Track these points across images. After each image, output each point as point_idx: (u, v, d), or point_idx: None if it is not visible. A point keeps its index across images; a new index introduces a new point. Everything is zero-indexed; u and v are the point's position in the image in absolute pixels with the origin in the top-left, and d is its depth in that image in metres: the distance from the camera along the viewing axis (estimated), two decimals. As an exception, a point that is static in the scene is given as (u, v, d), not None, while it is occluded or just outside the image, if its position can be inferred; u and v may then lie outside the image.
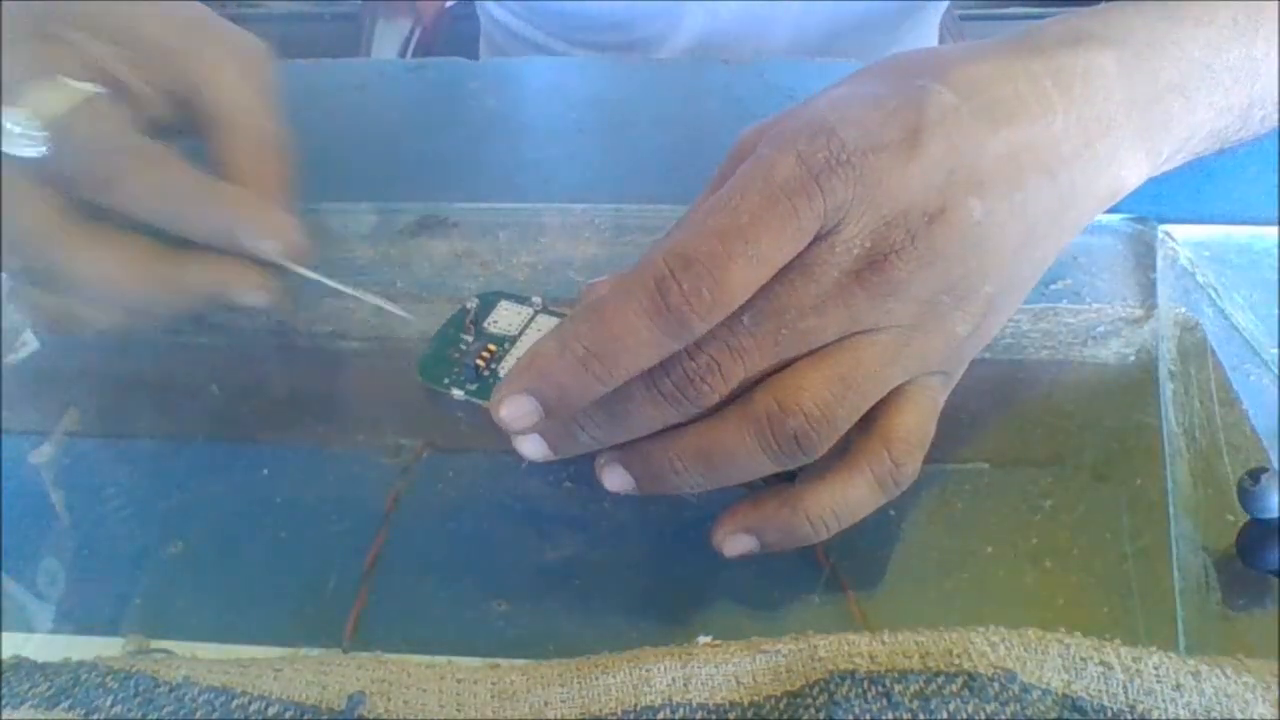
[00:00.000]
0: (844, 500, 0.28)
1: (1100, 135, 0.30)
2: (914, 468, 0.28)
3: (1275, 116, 0.35)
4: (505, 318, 0.35)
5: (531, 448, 0.29)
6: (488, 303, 0.35)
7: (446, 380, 0.33)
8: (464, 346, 0.34)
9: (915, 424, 0.28)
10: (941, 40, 0.76)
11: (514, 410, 0.27)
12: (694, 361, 0.27)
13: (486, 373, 0.33)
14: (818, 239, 0.27)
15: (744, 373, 0.27)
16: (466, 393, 0.33)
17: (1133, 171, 0.32)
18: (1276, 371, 0.33)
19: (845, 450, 0.28)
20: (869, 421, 0.28)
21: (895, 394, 0.28)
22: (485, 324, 0.35)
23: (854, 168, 0.27)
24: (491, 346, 0.34)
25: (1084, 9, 0.34)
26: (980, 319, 0.29)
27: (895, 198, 0.27)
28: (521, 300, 0.35)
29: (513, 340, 0.34)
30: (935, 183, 0.28)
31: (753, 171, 0.27)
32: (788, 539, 0.28)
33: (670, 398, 0.27)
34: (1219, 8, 0.34)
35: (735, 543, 0.28)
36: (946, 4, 0.71)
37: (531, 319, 0.35)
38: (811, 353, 0.27)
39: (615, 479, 0.29)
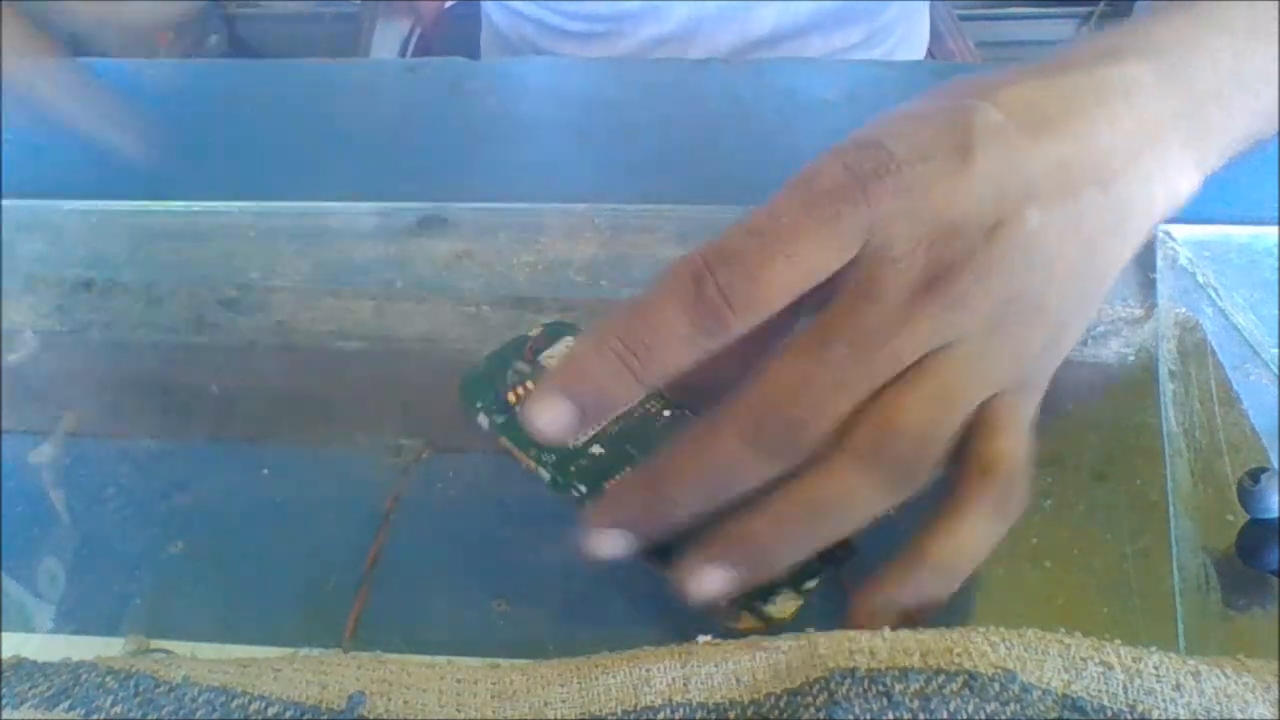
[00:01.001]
0: (970, 539, 0.27)
1: (1147, 147, 0.30)
2: (1025, 489, 0.27)
3: None
4: (564, 354, 0.33)
5: (612, 543, 0.27)
6: (553, 334, 0.34)
7: (479, 404, 0.32)
8: (512, 375, 0.33)
9: (1013, 446, 0.27)
10: (938, 37, 0.76)
11: (549, 415, 0.26)
12: (796, 410, 0.26)
13: (519, 409, 0.31)
14: (876, 260, 0.27)
15: (843, 406, 0.26)
16: (492, 424, 0.32)
17: (1185, 181, 0.32)
18: (1276, 371, 0.33)
19: (949, 492, 0.27)
20: (966, 454, 0.27)
21: (984, 418, 0.27)
22: (543, 357, 0.33)
23: (902, 176, 0.27)
24: (530, 383, 0.32)
25: (1112, 28, 0.34)
26: (1055, 331, 0.28)
27: (948, 209, 0.27)
28: None
29: None
30: (988, 195, 0.27)
31: (798, 179, 0.27)
32: (924, 597, 0.27)
33: (771, 449, 0.26)
34: (1233, 12, 0.33)
35: (878, 618, 0.26)
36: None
37: None
38: (895, 380, 0.27)
39: (714, 581, 0.27)
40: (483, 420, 0.32)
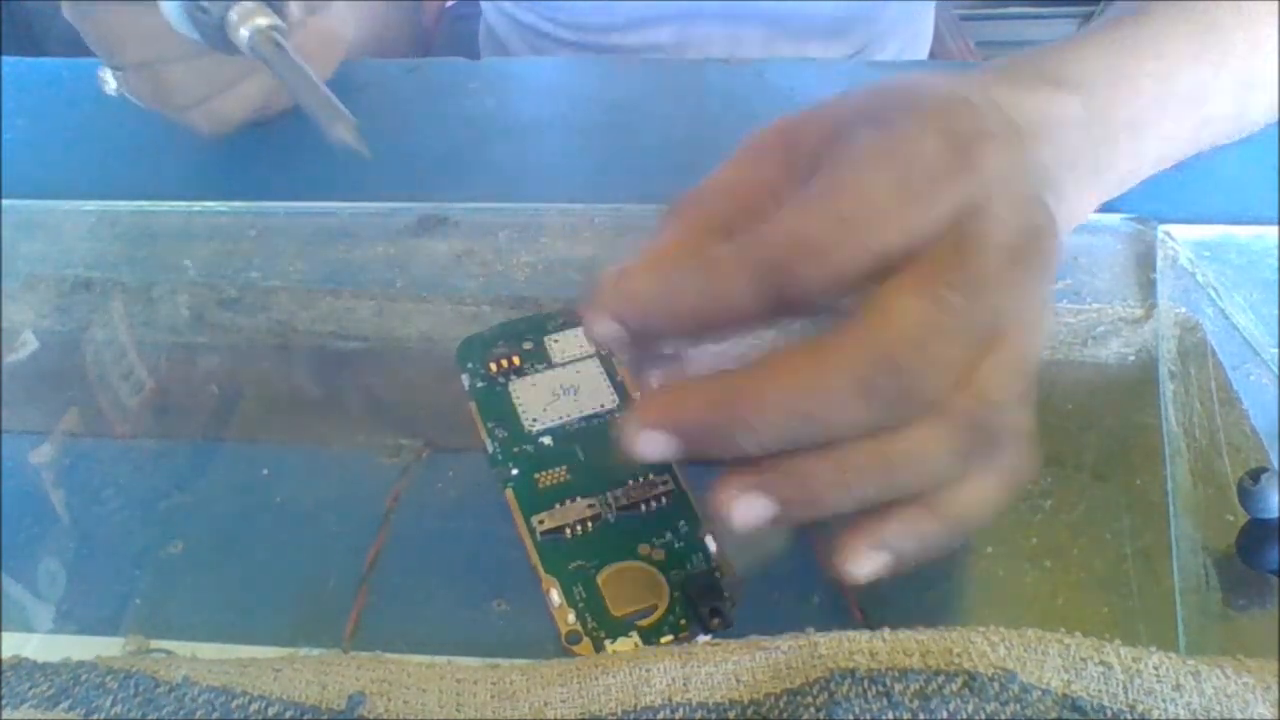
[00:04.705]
0: (982, 496, 0.25)
1: (1065, 170, 0.31)
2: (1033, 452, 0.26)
3: (1228, 132, 0.36)
4: (570, 343, 0.34)
5: (654, 447, 0.24)
6: (569, 320, 0.34)
7: (469, 365, 0.33)
8: (503, 348, 0.33)
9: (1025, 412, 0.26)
10: (938, 37, 0.76)
11: (607, 332, 0.25)
12: (920, 359, 0.23)
13: (500, 381, 0.33)
14: (980, 215, 0.24)
15: (959, 361, 0.24)
16: (471, 386, 0.33)
17: (1083, 208, 0.33)
18: (1276, 371, 0.33)
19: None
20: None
21: None
22: (548, 337, 0.34)
23: (997, 139, 0.25)
24: (516, 358, 0.33)
25: (1054, 45, 0.34)
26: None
27: (1029, 177, 0.26)
28: None
29: (549, 365, 0.33)
30: (1039, 171, 0.27)
31: (887, 153, 0.25)
32: (925, 546, 0.25)
33: (885, 400, 0.23)
34: (1171, 36, 0.34)
35: (867, 563, 0.25)
36: (933, 2, 0.71)
37: (585, 358, 0.33)
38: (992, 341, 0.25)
39: (752, 509, 0.24)
40: (464, 380, 0.33)
